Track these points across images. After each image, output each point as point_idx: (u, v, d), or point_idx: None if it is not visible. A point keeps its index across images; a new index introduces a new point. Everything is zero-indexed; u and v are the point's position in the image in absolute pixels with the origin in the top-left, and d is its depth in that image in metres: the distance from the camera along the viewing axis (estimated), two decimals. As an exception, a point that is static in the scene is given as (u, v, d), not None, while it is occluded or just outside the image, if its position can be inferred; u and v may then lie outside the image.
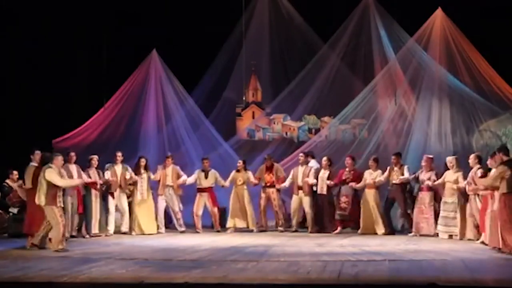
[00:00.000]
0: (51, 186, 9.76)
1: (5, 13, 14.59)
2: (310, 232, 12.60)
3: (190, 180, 13.09)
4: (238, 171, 13.13)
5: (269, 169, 13.07)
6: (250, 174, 13.14)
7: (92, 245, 10.60)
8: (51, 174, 9.78)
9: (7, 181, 12.79)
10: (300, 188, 12.79)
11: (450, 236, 11.22)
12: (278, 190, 13.04)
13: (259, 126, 16.25)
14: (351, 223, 12.56)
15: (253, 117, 16.33)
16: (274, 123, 16.21)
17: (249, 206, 13.02)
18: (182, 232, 12.80)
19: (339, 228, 12.45)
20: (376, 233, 12.09)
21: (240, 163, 13.19)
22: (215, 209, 13.08)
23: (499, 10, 14.23)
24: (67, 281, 7.02)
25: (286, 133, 16.16)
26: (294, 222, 12.98)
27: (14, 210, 12.55)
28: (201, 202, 13.05)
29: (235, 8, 15.23)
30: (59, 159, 10.15)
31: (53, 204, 9.76)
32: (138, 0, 15.16)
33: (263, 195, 13.07)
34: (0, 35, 14.76)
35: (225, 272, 7.42)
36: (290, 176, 12.94)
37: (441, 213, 11.39)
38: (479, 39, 14.26)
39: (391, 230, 12.20)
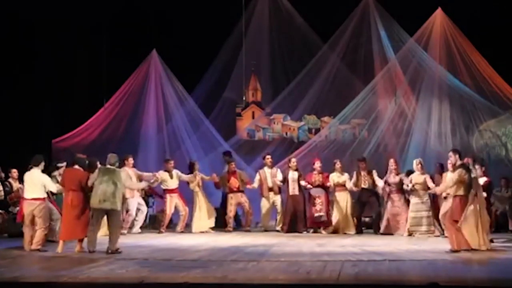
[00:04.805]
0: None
1: (5, 13, 14.59)
2: (282, 230, 12.50)
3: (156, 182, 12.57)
4: (192, 174, 12.75)
5: (233, 174, 12.91)
6: (202, 175, 12.88)
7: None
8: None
9: (10, 180, 12.75)
10: (270, 189, 12.78)
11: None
12: (243, 193, 12.90)
13: (259, 126, 16.25)
14: (327, 223, 12.36)
15: (253, 117, 16.34)
16: (274, 123, 16.21)
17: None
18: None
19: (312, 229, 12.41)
20: (345, 233, 12.10)
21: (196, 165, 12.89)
22: (187, 209, 12.69)
23: (498, 10, 14.25)
24: (67, 281, 7.01)
25: (286, 133, 16.16)
26: (265, 222, 12.99)
27: (15, 210, 12.52)
28: (172, 204, 12.67)
29: (235, 8, 15.25)
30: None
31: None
32: (138, 0, 15.16)
33: (232, 201, 12.83)
34: (-1, 35, 14.81)
35: (225, 272, 7.40)
36: (258, 178, 12.88)
37: (411, 214, 11.49)
38: (479, 39, 14.28)
39: (360, 230, 12.24)
